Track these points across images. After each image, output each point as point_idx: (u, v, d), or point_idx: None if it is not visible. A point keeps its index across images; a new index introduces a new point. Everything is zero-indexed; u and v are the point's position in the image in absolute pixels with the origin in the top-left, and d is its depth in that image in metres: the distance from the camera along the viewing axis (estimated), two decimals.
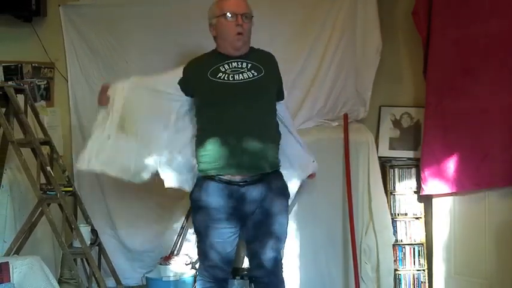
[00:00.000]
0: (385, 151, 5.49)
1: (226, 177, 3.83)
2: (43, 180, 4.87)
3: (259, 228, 3.91)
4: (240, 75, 3.89)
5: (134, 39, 5.60)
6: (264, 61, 4.04)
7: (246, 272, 4.85)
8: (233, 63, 3.93)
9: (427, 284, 5.28)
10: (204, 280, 4.07)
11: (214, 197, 3.85)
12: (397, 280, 5.27)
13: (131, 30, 5.58)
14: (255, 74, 3.92)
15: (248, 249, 4.11)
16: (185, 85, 3.98)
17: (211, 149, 3.83)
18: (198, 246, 4.08)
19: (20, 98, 4.88)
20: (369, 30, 5.22)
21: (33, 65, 5.80)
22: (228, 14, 3.86)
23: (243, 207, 3.88)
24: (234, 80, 3.86)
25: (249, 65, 3.95)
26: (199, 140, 3.91)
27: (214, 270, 4.01)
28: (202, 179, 3.90)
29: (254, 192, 3.86)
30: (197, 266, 4.81)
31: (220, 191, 3.84)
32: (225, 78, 3.86)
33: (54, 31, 5.70)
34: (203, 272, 4.07)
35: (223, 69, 3.89)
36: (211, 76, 3.86)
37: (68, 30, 5.66)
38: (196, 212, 3.96)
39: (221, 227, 3.89)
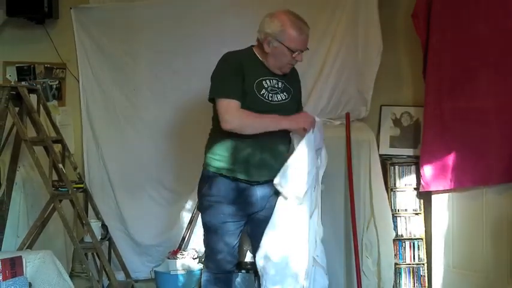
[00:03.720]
0: (386, 149, 5.46)
1: (240, 177, 3.82)
2: (55, 177, 4.86)
3: (266, 224, 3.88)
4: (276, 96, 3.88)
5: (143, 41, 5.58)
6: (293, 80, 4.09)
7: (249, 266, 4.82)
8: (273, 81, 3.89)
9: (426, 278, 5.26)
10: (212, 272, 4.06)
11: (225, 193, 3.83)
12: (397, 274, 5.24)
13: (140, 31, 5.57)
14: (287, 96, 3.94)
15: (253, 244, 4.10)
16: (240, 79, 3.79)
17: (235, 154, 3.80)
18: (206, 240, 4.05)
19: (33, 98, 4.88)
20: (370, 32, 5.19)
21: (45, 65, 5.79)
22: (295, 52, 3.83)
23: (252, 204, 3.88)
24: (271, 100, 3.84)
25: (283, 86, 3.94)
26: (222, 140, 3.83)
27: (223, 262, 4.00)
28: (213, 175, 3.85)
29: (264, 191, 3.87)
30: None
31: (232, 187, 3.83)
32: (266, 97, 3.82)
33: (65, 33, 5.69)
34: (211, 265, 4.05)
35: (266, 86, 3.84)
36: (256, 89, 3.80)
37: (79, 32, 5.66)
38: (207, 207, 3.92)
39: (231, 222, 3.88)
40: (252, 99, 3.77)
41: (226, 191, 3.83)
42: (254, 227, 4.00)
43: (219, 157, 3.83)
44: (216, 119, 3.84)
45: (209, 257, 4.07)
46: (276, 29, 3.76)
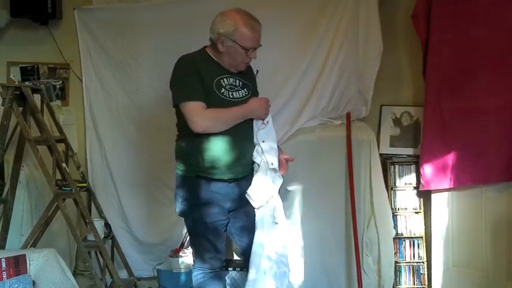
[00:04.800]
0: (386, 148, 5.46)
1: (217, 177, 3.84)
2: (59, 176, 4.86)
3: (248, 219, 3.95)
4: (236, 93, 3.91)
5: (145, 41, 5.58)
6: (248, 76, 4.09)
7: (241, 263, 4.83)
8: (230, 79, 3.91)
9: (426, 276, 5.25)
10: (205, 272, 4.07)
11: (205, 194, 3.85)
12: (397, 272, 5.24)
13: (142, 32, 5.56)
14: (246, 92, 3.97)
15: (236, 240, 4.15)
16: (199, 80, 3.79)
17: (208, 155, 3.80)
18: (194, 242, 4.10)
19: (37, 98, 4.87)
20: (371, 32, 5.18)
21: (49, 66, 5.79)
22: (249, 50, 3.85)
23: (232, 201, 3.92)
24: (232, 98, 3.87)
25: (241, 83, 3.97)
26: (192, 143, 3.83)
27: (214, 261, 4.04)
28: (189, 178, 3.87)
29: (241, 187, 3.91)
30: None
31: (210, 188, 3.85)
32: (226, 95, 3.84)
33: (69, 33, 5.69)
34: (202, 265, 4.07)
35: (224, 84, 3.86)
36: (216, 89, 3.81)
37: (82, 32, 5.65)
38: (190, 211, 3.93)
39: (215, 221, 3.91)
40: (214, 99, 3.78)
41: (205, 192, 3.84)
42: (236, 223, 4.03)
43: (192, 160, 3.84)
44: (182, 124, 3.85)
45: (200, 257, 4.08)
46: (228, 28, 3.78)
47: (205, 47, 3.99)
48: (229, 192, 3.88)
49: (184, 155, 3.91)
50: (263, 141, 3.96)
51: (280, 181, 4.01)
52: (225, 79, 3.88)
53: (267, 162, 3.92)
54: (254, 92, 4.09)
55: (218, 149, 3.79)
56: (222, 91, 3.83)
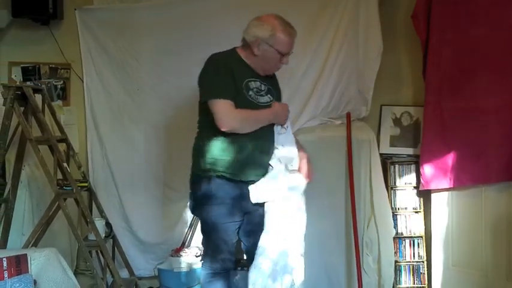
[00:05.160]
0: (386, 148, 5.46)
1: (238, 178, 3.83)
2: (60, 176, 4.85)
3: (260, 222, 3.93)
4: (261, 98, 3.91)
5: (146, 41, 5.59)
6: (273, 83, 4.14)
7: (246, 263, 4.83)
8: (257, 83, 3.92)
9: (426, 275, 5.26)
10: (215, 272, 4.03)
11: (223, 194, 3.82)
12: (397, 271, 5.24)
13: (143, 32, 5.57)
14: (270, 98, 3.97)
15: (245, 241, 4.12)
16: (231, 80, 3.79)
17: (235, 156, 3.80)
18: (208, 241, 4.04)
19: (38, 98, 4.87)
20: (371, 33, 5.18)
21: (50, 66, 5.79)
22: (284, 55, 3.90)
23: (248, 203, 3.88)
24: (258, 102, 3.87)
25: (266, 88, 3.97)
26: (216, 142, 3.80)
27: (226, 261, 4.00)
28: (209, 177, 3.82)
29: None
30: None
31: (229, 188, 3.82)
32: (254, 99, 3.85)
33: (70, 33, 5.69)
34: (213, 265, 4.03)
35: (252, 87, 3.87)
36: (245, 90, 3.82)
37: (83, 32, 5.66)
38: (209, 208, 3.88)
39: (231, 222, 3.88)
40: (241, 100, 3.77)
41: (224, 192, 3.82)
42: (248, 224, 4.01)
43: (213, 160, 3.81)
44: (206, 122, 3.83)
45: (211, 257, 4.04)
46: (266, 33, 3.82)
47: (236, 48, 4.00)
48: (248, 194, 3.87)
49: (204, 152, 3.86)
50: (282, 146, 3.96)
51: (297, 185, 4.01)
52: (253, 82, 3.89)
53: (285, 166, 3.93)
54: (278, 99, 4.09)
55: (242, 150, 3.79)
56: (249, 93, 3.84)
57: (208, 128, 3.82)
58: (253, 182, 3.85)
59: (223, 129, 3.68)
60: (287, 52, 3.89)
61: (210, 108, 3.74)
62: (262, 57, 3.87)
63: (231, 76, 3.76)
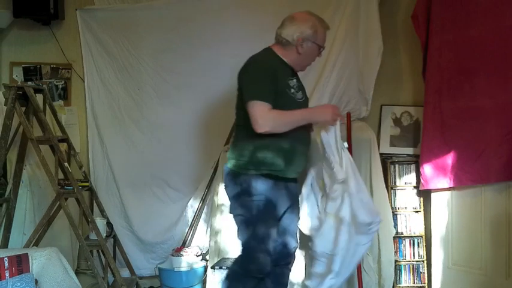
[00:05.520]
0: (386, 148, 5.46)
1: (280, 175, 3.86)
2: (61, 175, 4.86)
3: (296, 218, 4.08)
4: (298, 94, 3.96)
5: (147, 41, 5.60)
6: (299, 79, 4.15)
7: None
8: (294, 80, 3.98)
9: (426, 274, 5.26)
10: (256, 277, 3.91)
11: (268, 192, 3.82)
12: (397, 270, 5.24)
13: (144, 32, 5.59)
14: (303, 94, 4.06)
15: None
16: (274, 84, 3.82)
17: (286, 155, 3.84)
18: (251, 243, 3.90)
19: (39, 98, 4.88)
20: (371, 33, 5.19)
21: (51, 66, 5.79)
22: (321, 49, 4.04)
23: (289, 200, 3.96)
24: (297, 99, 3.93)
25: (299, 84, 4.04)
26: (260, 142, 3.79)
27: (267, 263, 3.88)
28: (254, 176, 3.81)
29: (295, 187, 4.05)
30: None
31: (272, 186, 3.84)
32: (294, 96, 3.91)
33: (71, 34, 5.71)
34: (251, 267, 3.89)
35: (291, 85, 3.91)
36: (287, 89, 3.87)
37: (84, 32, 5.67)
38: (254, 209, 3.84)
39: (275, 220, 3.91)
40: (285, 99, 3.83)
41: (268, 191, 3.82)
42: (282, 222, 4.01)
43: (259, 158, 3.81)
44: (249, 121, 3.79)
45: (253, 260, 3.88)
46: (309, 30, 3.91)
47: (271, 47, 4.01)
48: (293, 191, 3.97)
49: (249, 151, 3.85)
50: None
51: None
52: (291, 80, 3.94)
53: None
54: (305, 94, 4.15)
55: (288, 148, 3.84)
56: (291, 91, 3.89)
57: (249, 126, 3.80)
58: (292, 180, 3.95)
59: (257, 131, 3.69)
60: (324, 45, 4.03)
61: (248, 109, 3.74)
62: (305, 54, 3.96)
63: (274, 78, 3.79)
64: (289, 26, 3.92)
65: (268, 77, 3.77)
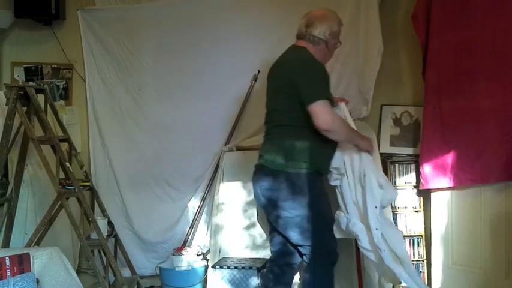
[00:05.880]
0: (386, 148, 5.47)
1: (324, 173, 4.07)
2: (62, 175, 4.86)
3: None
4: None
5: (148, 41, 5.60)
6: None
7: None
8: None
9: (426, 274, 5.27)
10: (332, 263, 4.06)
11: (322, 189, 4.00)
12: None
13: (145, 32, 5.60)
14: None
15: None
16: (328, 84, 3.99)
17: (328, 153, 4.01)
18: (324, 237, 4.03)
19: (40, 98, 4.87)
20: (371, 33, 5.19)
21: (52, 66, 5.80)
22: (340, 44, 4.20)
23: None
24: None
25: None
26: (316, 142, 3.88)
27: (336, 253, 4.08)
28: (310, 174, 3.90)
29: None
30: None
31: (322, 182, 4.01)
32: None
33: (72, 34, 5.72)
34: (331, 257, 4.05)
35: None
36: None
37: (85, 33, 5.68)
38: (324, 202, 4.01)
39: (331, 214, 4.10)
40: (331, 97, 3.95)
41: (320, 186, 3.98)
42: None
43: (315, 157, 3.90)
44: (305, 121, 3.84)
45: (327, 251, 4.04)
46: (337, 27, 4.07)
47: (302, 46, 4.03)
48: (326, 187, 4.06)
49: (307, 151, 3.90)
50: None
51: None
52: None
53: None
54: None
55: (330, 147, 4.00)
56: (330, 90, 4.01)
57: (307, 126, 3.84)
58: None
59: (321, 127, 3.76)
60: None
61: (313, 108, 3.76)
62: (332, 51, 4.09)
63: (327, 78, 3.92)
64: (321, 25, 3.99)
65: (325, 77, 3.90)
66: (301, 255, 4.05)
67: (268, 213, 4.09)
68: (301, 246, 3.98)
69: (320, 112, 3.73)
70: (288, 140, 3.93)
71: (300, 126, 3.87)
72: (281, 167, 3.88)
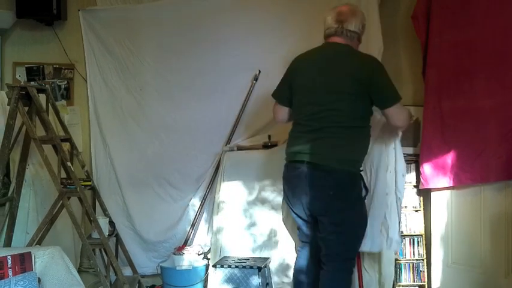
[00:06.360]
0: None
1: None
2: (64, 175, 4.86)
3: None
4: None
5: (149, 41, 5.61)
6: None
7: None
8: None
9: (426, 273, 5.26)
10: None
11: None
12: (397, 269, 5.24)
13: (146, 32, 5.60)
14: None
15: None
16: None
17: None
18: (359, 236, 4.11)
19: (42, 98, 4.87)
20: (371, 33, 5.16)
21: (54, 66, 5.81)
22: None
23: None
24: None
25: None
26: (368, 142, 4.02)
27: None
28: (359, 174, 4.02)
29: None
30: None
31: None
32: None
33: (74, 34, 5.72)
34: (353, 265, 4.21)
35: None
36: None
37: (86, 33, 5.69)
38: (363, 205, 4.08)
39: None
40: None
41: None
42: None
43: (364, 156, 4.02)
44: (367, 122, 3.97)
45: (357, 248, 4.20)
46: (365, 20, 4.11)
47: (344, 43, 4.03)
48: None
49: (362, 150, 4.00)
50: None
51: None
52: None
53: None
54: None
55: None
56: None
57: (367, 126, 3.97)
58: None
59: (401, 126, 4.13)
60: None
61: (394, 109, 3.89)
62: (359, 44, 4.11)
63: None
64: (355, 20, 4.00)
65: None
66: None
67: (315, 211, 4.01)
68: (331, 253, 4.01)
69: (401, 113, 3.90)
70: (356, 142, 3.95)
71: (362, 126, 3.95)
72: (352, 167, 3.91)
